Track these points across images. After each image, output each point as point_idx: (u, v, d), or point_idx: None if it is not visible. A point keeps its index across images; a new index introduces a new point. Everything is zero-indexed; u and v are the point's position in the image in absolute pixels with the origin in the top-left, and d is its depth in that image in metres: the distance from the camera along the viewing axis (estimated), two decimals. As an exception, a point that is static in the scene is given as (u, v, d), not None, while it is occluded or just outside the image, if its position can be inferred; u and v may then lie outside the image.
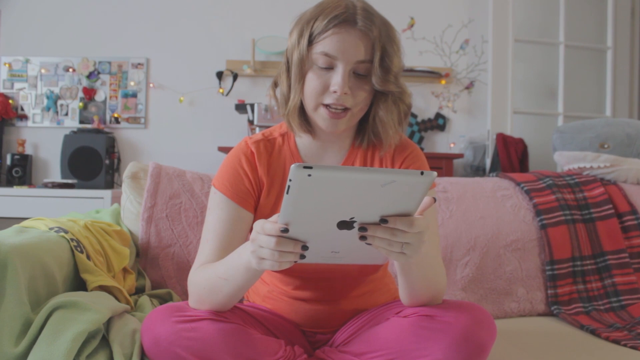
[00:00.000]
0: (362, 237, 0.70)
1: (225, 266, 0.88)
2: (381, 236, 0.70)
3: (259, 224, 0.72)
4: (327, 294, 1.08)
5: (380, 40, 0.93)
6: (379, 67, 0.93)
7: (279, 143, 1.07)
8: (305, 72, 0.96)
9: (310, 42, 0.94)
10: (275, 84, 1.04)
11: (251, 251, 0.75)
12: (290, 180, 0.62)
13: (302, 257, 0.72)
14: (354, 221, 0.68)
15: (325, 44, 0.92)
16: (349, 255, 0.75)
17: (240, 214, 1.00)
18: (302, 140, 1.07)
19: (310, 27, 0.94)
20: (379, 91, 0.97)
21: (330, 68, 0.94)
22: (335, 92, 0.93)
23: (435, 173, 0.65)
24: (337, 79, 0.93)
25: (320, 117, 0.97)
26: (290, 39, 0.98)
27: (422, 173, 0.63)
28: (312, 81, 0.95)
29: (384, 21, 0.97)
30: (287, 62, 0.99)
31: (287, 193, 0.64)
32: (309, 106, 0.98)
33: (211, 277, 0.90)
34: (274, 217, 0.72)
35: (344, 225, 0.68)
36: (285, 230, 0.69)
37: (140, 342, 0.91)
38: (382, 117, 0.99)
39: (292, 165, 0.60)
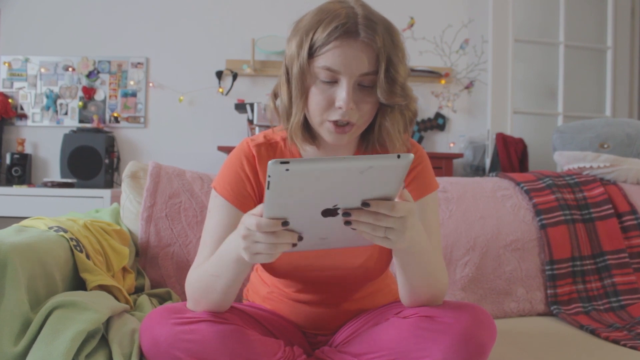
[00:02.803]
0: (347, 222, 0.71)
1: (215, 263, 0.88)
2: (365, 221, 0.70)
3: (251, 221, 0.71)
4: (329, 297, 1.07)
5: (385, 50, 0.88)
6: (384, 79, 0.88)
7: (281, 147, 1.04)
8: (307, 87, 0.92)
9: (311, 55, 0.90)
10: (275, 95, 0.99)
11: (244, 248, 0.74)
12: (269, 176, 0.62)
13: (294, 245, 0.73)
14: (338, 208, 0.69)
15: (327, 58, 0.88)
16: (337, 240, 0.76)
17: (240, 218, 0.98)
18: (305, 150, 1.03)
19: (310, 39, 0.90)
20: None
21: (333, 82, 0.89)
22: (340, 107, 0.89)
23: (412, 155, 0.64)
24: (341, 94, 0.88)
25: (326, 132, 0.93)
26: (289, 48, 0.94)
27: (398, 156, 0.63)
28: (315, 96, 0.91)
29: (387, 26, 0.91)
30: (287, 72, 0.95)
31: (268, 188, 0.64)
32: (314, 121, 0.94)
33: (203, 276, 0.90)
34: (258, 209, 0.72)
35: (329, 212, 0.69)
36: (286, 224, 0.69)
37: (139, 342, 0.91)
38: (388, 128, 0.95)
39: (270, 162, 0.61)
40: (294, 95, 0.93)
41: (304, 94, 0.92)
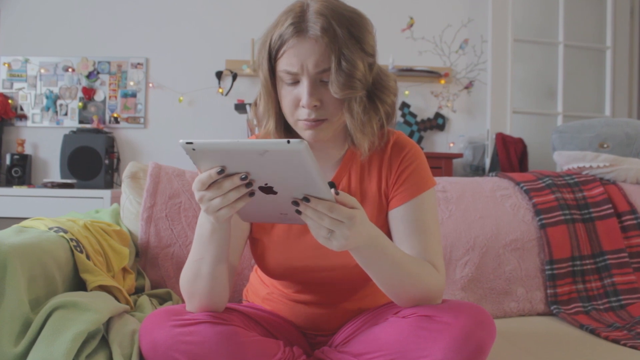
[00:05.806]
0: (298, 212, 0.74)
1: (196, 246, 0.90)
2: (310, 215, 0.73)
3: (194, 184, 0.73)
4: (327, 297, 1.07)
5: (336, 43, 0.87)
6: (336, 73, 0.87)
7: None
8: (276, 91, 0.94)
9: (273, 60, 0.92)
10: (256, 104, 1.01)
11: (205, 210, 0.75)
12: (187, 154, 0.70)
13: (251, 193, 0.74)
14: (271, 187, 0.72)
15: (285, 62, 0.90)
16: (298, 217, 0.77)
17: (235, 219, 0.97)
18: None
19: (267, 45, 0.92)
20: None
21: (296, 82, 0.91)
22: (304, 106, 0.91)
23: (303, 142, 0.64)
24: (303, 94, 0.90)
25: (301, 130, 0.94)
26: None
27: (288, 142, 0.64)
28: (284, 99, 0.93)
29: (344, 17, 0.89)
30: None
31: (196, 167, 0.72)
32: (290, 122, 0.96)
33: (190, 266, 0.92)
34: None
35: (266, 190, 0.73)
36: (221, 171, 0.71)
37: (139, 344, 0.91)
38: (349, 126, 0.95)
39: (179, 142, 0.68)
40: (265, 101, 0.96)
41: (271, 99, 0.95)
